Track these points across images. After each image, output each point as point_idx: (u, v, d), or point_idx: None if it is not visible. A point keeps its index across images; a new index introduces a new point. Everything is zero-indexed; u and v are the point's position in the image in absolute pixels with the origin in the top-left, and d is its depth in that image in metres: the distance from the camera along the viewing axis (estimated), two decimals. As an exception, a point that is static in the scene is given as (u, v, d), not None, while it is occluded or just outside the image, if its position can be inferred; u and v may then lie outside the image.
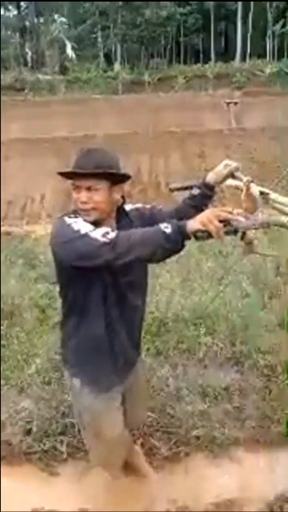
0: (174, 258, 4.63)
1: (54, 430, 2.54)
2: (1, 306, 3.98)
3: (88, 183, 1.58)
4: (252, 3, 31.57)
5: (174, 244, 1.41)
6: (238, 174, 1.78)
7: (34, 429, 2.52)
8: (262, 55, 32.38)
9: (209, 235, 1.39)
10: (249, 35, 31.95)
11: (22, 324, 3.78)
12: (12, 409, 2.76)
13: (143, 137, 12.77)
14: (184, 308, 3.64)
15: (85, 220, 1.57)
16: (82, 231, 1.49)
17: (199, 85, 25.09)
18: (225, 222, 1.40)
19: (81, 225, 1.52)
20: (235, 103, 16.59)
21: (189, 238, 1.42)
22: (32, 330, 3.68)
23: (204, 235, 1.40)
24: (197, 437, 2.47)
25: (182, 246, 1.44)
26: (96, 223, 1.57)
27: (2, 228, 8.13)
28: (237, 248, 4.90)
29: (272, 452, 2.39)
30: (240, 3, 31.21)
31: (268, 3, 31.16)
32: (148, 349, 3.21)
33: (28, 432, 2.56)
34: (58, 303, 3.96)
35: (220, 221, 1.39)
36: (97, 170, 1.56)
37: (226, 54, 36.17)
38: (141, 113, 15.81)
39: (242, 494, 2.17)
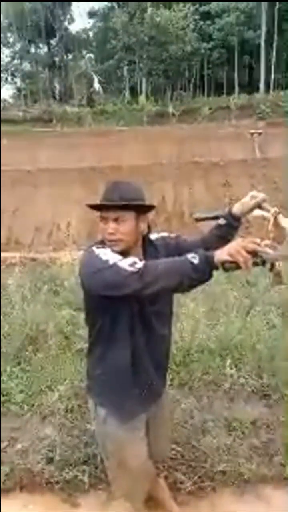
0: (200, 287, 4.63)
1: (76, 459, 2.51)
2: (27, 331, 4.02)
3: (115, 215, 1.62)
4: (275, 37, 32.17)
5: (202, 274, 1.43)
6: (265, 205, 1.79)
7: (57, 457, 2.49)
8: (286, 86, 32.75)
9: (237, 266, 1.40)
10: (272, 67, 32.47)
11: (46, 350, 3.79)
12: (35, 436, 2.75)
13: (168, 167, 12.96)
14: (209, 338, 3.59)
15: (112, 251, 1.60)
16: (111, 261, 1.51)
17: (223, 116, 25.48)
18: (253, 253, 1.40)
19: (109, 255, 1.55)
20: (259, 133, 16.71)
21: (216, 269, 1.43)
22: (56, 356, 3.69)
23: (232, 266, 1.40)
24: (223, 472, 2.40)
25: (210, 276, 1.45)
26: (124, 253, 1.60)
27: (28, 255, 8.28)
28: (264, 279, 4.84)
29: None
30: (263, 38, 31.85)
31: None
32: (172, 380, 3.16)
33: (51, 460, 2.53)
34: (82, 330, 4.05)
35: (248, 252, 1.39)
36: (123, 202, 1.61)
37: (249, 86, 36.76)
38: (166, 144, 16.09)
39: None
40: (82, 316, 4.39)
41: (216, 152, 15.19)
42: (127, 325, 1.68)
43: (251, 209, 1.82)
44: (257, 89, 32.59)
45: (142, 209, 1.68)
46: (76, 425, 2.80)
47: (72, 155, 15.20)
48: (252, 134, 16.66)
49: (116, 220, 1.62)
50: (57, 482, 2.41)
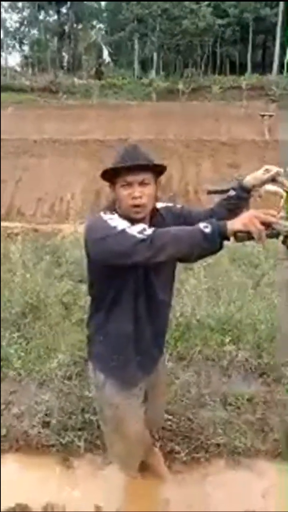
0: (201, 264, 4.61)
1: (73, 425, 2.53)
2: (27, 299, 4.02)
3: (141, 177, 1.57)
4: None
5: (213, 244, 1.37)
6: (280, 179, 1.74)
7: (54, 422, 2.51)
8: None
9: (250, 237, 1.36)
10: (287, 48, 31.70)
11: (46, 319, 3.80)
12: (32, 401, 2.77)
13: (176, 144, 12.77)
14: (209, 315, 3.59)
15: (125, 218, 1.55)
16: (119, 228, 1.47)
17: (233, 96, 25.05)
18: (267, 225, 1.36)
19: (118, 222, 1.51)
20: (270, 116, 16.42)
21: (228, 239, 1.39)
22: (56, 325, 3.69)
23: (245, 236, 1.36)
24: (218, 445, 2.42)
25: (221, 247, 1.40)
26: (133, 221, 1.55)
27: (30, 225, 8.24)
28: (268, 260, 4.83)
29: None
30: (280, 16, 31.01)
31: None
32: (170, 354, 3.17)
33: (47, 424, 2.56)
34: (83, 301, 4.05)
35: (262, 224, 1.35)
36: (150, 163, 1.57)
37: (262, 67, 36.01)
38: (174, 120, 15.88)
39: (260, 506, 2.10)
40: (82, 288, 4.45)
41: (225, 132, 14.99)
42: (131, 292, 1.66)
43: (264, 183, 1.78)
44: (270, 70, 31.93)
45: (158, 172, 1.65)
46: (74, 391, 2.81)
47: (78, 128, 15.01)
48: (262, 116, 16.38)
49: (141, 183, 1.58)
50: (53, 446, 2.43)
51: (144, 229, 1.44)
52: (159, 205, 1.78)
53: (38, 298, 4.07)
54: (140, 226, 1.47)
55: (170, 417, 2.53)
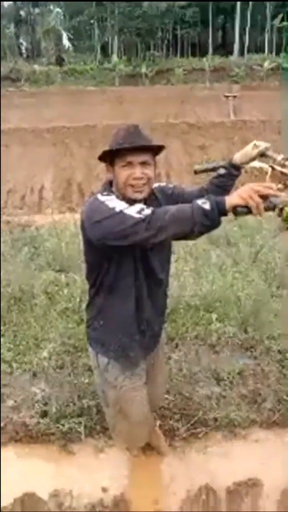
0: (181, 245, 4.65)
1: (71, 412, 2.54)
2: (10, 292, 3.97)
3: (142, 158, 1.58)
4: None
5: (212, 220, 1.38)
6: (269, 153, 1.78)
7: (52, 410, 2.52)
8: (260, 49, 32.34)
9: (248, 211, 1.39)
10: (247, 29, 31.83)
11: (31, 310, 3.77)
12: (27, 392, 2.77)
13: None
14: (195, 295, 3.65)
15: (123, 199, 1.55)
16: (117, 209, 1.46)
17: (197, 78, 25.01)
18: (264, 198, 1.39)
19: (115, 203, 1.49)
20: (234, 97, 16.53)
21: (226, 214, 1.41)
22: (42, 316, 3.67)
23: (244, 210, 1.38)
24: (215, 419, 2.49)
25: (220, 222, 1.43)
26: (131, 201, 1.55)
27: (2, 218, 8.06)
28: (246, 238, 4.92)
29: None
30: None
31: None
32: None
33: (45, 414, 2.56)
34: (66, 290, 4.03)
35: (260, 197, 1.38)
36: (151, 143, 1.59)
37: (223, 48, 36.05)
38: (139, 104, 15.74)
39: (261, 473, 2.19)
40: (64, 277, 4.42)
41: (191, 114, 15.00)
42: (131, 272, 1.67)
43: (253, 158, 1.81)
44: (231, 51, 32.00)
45: (155, 153, 1.66)
46: (68, 380, 2.82)
47: (42, 115, 14.68)
48: (227, 97, 16.46)
49: (143, 163, 1.58)
50: (53, 434, 2.44)
51: (142, 209, 1.44)
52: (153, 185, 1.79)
53: (22, 290, 4.03)
54: (138, 206, 1.47)
55: (166, 395, 2.58)
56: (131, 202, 1.54)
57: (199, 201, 1.40)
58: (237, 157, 1.81)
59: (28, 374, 2.97)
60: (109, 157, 1.62)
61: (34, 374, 2.96)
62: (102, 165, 1.71)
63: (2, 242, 5.41)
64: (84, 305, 3.60)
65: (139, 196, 1.59)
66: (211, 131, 12.03)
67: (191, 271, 4.19)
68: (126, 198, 1.59)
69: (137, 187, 1.58)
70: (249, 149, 1.79)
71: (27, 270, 4.53)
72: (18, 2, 38.73)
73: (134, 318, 1.74)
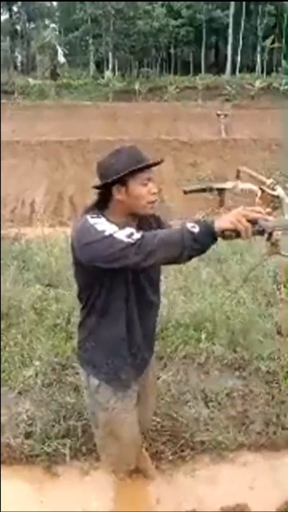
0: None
1: (56, 433, 2.49)
2: (-2, 307, 3.92)
3: (152, 174, 1.62)
4: (243, 18, 32.19)
5: (202, 244, 1.38)
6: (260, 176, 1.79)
7: (38, 430, 2.46)
8: (251, 68, 33.01)
9: (237, 235, 1.39)
10: (239, 49, 32.55)
11: (18, 327, 3.71)
12: (13, 411, 2.71)
13: (135, 144, 12.80)
14: (185, 313, 3.63)
15: (110, 221, 1.53)
16: (107, 232, 1.45)
17: (189, 96, 25.42)
18: (253, 222, 1.40)
19: (105, 226, 1.48)
20: (225, 115, 16.81)
21: (216, 238, 1.41)
22: (29, 332, 3.62)
23: (232, 234, 1.38)
24: (202, 442, 2.45)
25: (209, 246, 1.42)
26: (120, 224, 1.53)
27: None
28: (235, 255, 4.93)
29: (278, 456, 2.40)
30: (231, 18, 31.74)
31: (258, 20, 31.88)
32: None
33: (29, 434, 2.50)
34: (54, 306, 3.99)
35: (248, 221, 1.38)
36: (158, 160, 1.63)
37: (215, 67, 36.73)
38: (132, 120, 15.92)
39: (249, 497, 2.16)
40: (52, 292, 4.38)
41: (184, 131, 15.18)
42: (122, 295, 1.65)
43: None
44: (223, 70, 32.63)
45: None
46: (54, 399, 2.77)
47: (35, 129, 14.76)
48: (218, 115, 16.73)
49: (151, 179, 1.61)
50: (37, 456, 2.38)
51: (132, 233, 1.43)
52: None
53: (9, 305, 3.98)
54: (128, 230, 1.46)
55: (153, 417, 2.54)
56: (122, 225, 1.53)
57: (189, 225, 1.40)
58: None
59: (13, 393, 2.92)
60: (120, 179, 1.57)
61: (20, 393, 2.91)
62: (95, 180, 1.68)
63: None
64: (73, 320, 3.62)
65: (153, 210, 1.63)
66: (203, 149, 12.17)
67: (181, 289, 4.18)
68: (135, 214, 1.63)
69: (152, 203, 1.62)
70: None
71: (16, 285, 4.49)
72: (14, 17, 39.18)
73: (125, 340, 1.72)
